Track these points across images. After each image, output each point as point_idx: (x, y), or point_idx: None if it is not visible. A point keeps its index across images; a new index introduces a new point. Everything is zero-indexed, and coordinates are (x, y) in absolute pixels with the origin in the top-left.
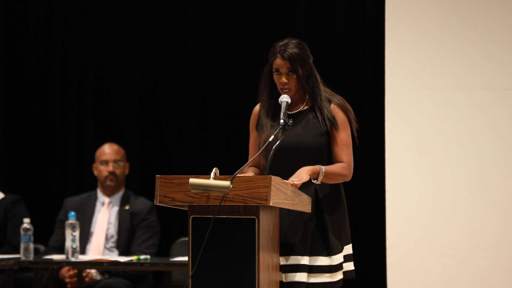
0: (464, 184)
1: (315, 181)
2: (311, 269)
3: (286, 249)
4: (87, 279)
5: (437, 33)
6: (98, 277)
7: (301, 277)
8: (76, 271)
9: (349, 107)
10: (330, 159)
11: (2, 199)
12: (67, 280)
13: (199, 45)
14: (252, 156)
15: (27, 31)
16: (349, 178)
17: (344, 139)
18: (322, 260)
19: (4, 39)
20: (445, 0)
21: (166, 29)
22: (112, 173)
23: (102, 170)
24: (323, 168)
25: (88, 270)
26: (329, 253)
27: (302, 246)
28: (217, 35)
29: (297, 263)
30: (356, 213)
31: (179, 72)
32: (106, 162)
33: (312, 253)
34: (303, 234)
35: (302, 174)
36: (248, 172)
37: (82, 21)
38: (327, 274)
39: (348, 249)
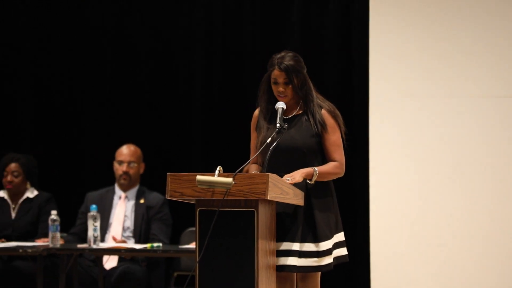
0: (442, 181)
1: (309, 181)
2: (301, 254)
3: (279, 237)
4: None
5: (417, 45)
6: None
7: (292, 261)
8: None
9: (338, 112)
10: (322, 158)
11: (36, 196)
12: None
13: (205, 58)
14: (253, 155)
15: (54, 33)
16: (341, 175)
17: (335, 140)
18: (310, 246)
19: (33, 42)
20: (427, 11)
21: (175, 44)
22: (125, 173)
23: (118, 169)
24: (317, 169)
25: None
26: (317, 240)
27: (293, 234)
28: (221, 48)
29: (289, 249)
30: (342, 211)
31: (187, 85)
32: (121, 162)
33: (301, 239)
34: (294, 223)
35: (296, 175)
36: (251, 169)
37: (99, 30)
38: (315, 259)
39: (339, 236)
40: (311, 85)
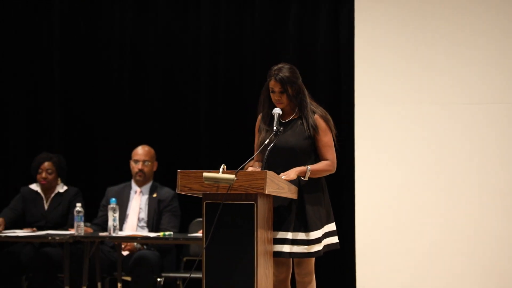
0: (420, 178)
1: (303, 178)
2: (293, 242)
3: (275, 227)
4: (129, 247)
5: (398, 56)
6: (138, 245)
7: (286, 248)
8: None
9: (329, 117)
10: (315, 157)
11: (66, 190)
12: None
13: (210, 70)
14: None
15: (78, 49)
16: (333, 172)
17: (327, 141)
18: (301, 235)
19: (63, 40)
20: (409, 23)
21: (185, 57)
22: (141, 170)
23: (134, 167)
24: (309, 167)
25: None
26: (307, 230)
27: (287, 225)
28: (223, 60)
29: (283, 237)
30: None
31: (195, 94)
32: (137, 161)
33: (294, 229)
34: (289, 215)
35: (291, 173)
36: (255, 165)
37: (118, 45)
38: (305, 246)
39: (331, 226)
40: (306, 93)
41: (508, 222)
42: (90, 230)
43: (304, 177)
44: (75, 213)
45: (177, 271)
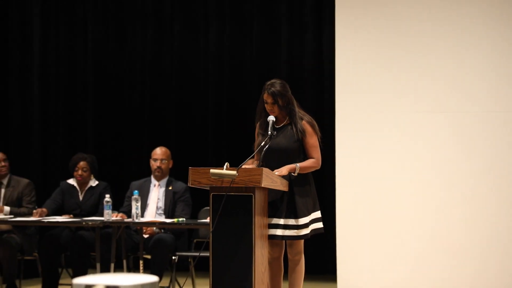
0: (394, 173)
1: (293, 174)
2: (285, 227)
3: (269, 214)
4: (149, 231)
5: (372, 75)
6: (157, 229)
7: (279, 232)
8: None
9: (315, 123)
10: (304, 156)
11: (97, 184)
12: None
13: (216, 88)
14: (256, 154)
15: (109, 51)
16: (318, 168)
17: (313, 143)
18: (291, 221)
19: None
20: (389, 35)
21: (196, 73)
22: (159, 167)
23: (153, 165)
24: (298, 165)
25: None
26: (296, 216)
27: (280, 212)
28: (228, 75)
29: (276, 223)
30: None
31: (204, 104)
32: (156, 160)
33: (285, 216)
34: (281, 204)
35: (283, 169)
36: (254, 163)
37: (140, 65)
38: (295, 230)
39: (316, 214)
40: (295, 103)
41: (489, 220)
42: (124, 216)
43: (294, 173)
44: (104, 203)
45: (189, 250)
